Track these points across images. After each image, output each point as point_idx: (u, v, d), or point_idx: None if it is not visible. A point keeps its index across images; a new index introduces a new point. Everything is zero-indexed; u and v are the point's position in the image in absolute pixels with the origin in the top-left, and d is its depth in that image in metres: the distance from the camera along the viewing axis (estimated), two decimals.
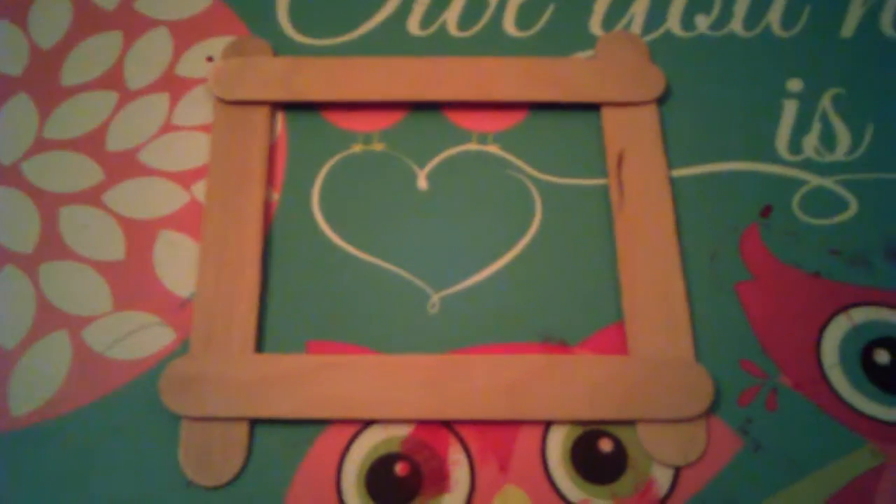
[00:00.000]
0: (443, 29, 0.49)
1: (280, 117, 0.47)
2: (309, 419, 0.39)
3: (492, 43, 0.49)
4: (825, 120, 0.47)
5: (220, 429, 0.39)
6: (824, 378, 0.41)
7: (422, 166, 0.46)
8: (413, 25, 0.49)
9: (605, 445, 0.39)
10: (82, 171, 0.45)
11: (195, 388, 0.39)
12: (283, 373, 0.40)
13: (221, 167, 0.45)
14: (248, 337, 0.41)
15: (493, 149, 0.46)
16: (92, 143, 0.46)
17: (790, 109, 0.47)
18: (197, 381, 0.39)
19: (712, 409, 0.39)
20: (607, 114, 0.46)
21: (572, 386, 0.39)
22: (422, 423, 0.40)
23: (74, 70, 0.48)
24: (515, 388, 0.39)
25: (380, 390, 0.39)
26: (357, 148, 0.46)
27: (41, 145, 0.46)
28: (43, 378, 0.41)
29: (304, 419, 0.39)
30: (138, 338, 0.42)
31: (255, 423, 0.39)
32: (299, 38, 0.49)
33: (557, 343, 0.41)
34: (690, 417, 0.39)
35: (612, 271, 0.43)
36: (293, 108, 0.47)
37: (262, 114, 0.46)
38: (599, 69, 0.47)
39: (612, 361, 0.40)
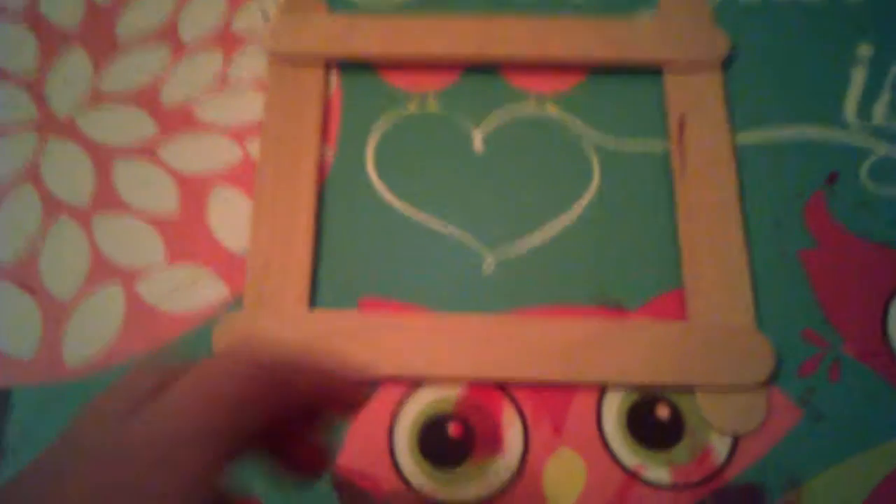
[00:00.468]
0: None
1: (335, 75, 0.46)
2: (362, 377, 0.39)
3: (550, 3, 0.48)
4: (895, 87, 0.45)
5: None
6: (889, 349, 0.40)
7: (478, 126, 0.45)
8: None
9: (662, 411, 0.39)
10: (137, 125, 0.45)
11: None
12: (337, 330, 0.40)
13: (275, 123, 0.44)
14: (302, 293, 0.40)
15: (551, 110, 0.45)
16: (147, 97, 0.46)
17: (859, 76, 0.45)
18: (250, 335, 0.39)
19: (773, 378, 0.39)
20: (669, 77, 0.45)
21: (629, 350, 0.39)
22: (475, 384, 0.39)
23: (129, 24, 0.48)
24: (571, 350, 0.39)
25: (433, 349, 0.39)
26: (412, 107, 0.45)
27: (97, 98, 0.46)
28: (97, 329, 0.41)
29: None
30: (192, 291, 0.41)
31: None
32: None
33: (615, 306, 0.41)
34: (750, 386, 0.38)
35: (671, 236, 0.42)
36: (348, 66, 0.46)
37: (316, 71, 0.46)
38: (661, 31, 0.46)
39: (671, 327, 0.39)
